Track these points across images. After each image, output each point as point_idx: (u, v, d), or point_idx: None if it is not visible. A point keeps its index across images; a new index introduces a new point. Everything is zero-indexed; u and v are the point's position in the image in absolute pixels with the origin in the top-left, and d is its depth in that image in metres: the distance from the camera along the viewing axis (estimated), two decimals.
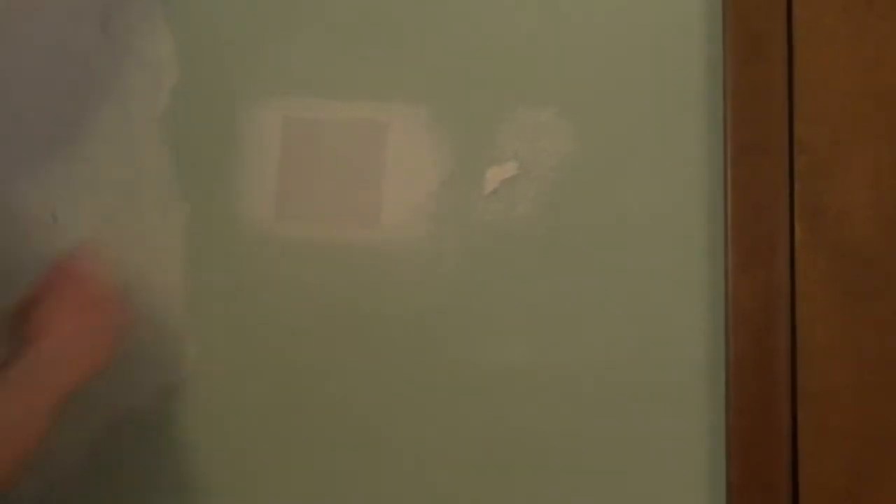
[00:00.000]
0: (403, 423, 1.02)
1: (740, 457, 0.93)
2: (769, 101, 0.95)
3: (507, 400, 1.01)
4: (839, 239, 0.93)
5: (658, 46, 1.00)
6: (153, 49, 1.09)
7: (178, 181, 1.08)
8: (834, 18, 0.95)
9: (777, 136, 0.95)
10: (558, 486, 0.98)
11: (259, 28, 1.08)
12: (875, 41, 0.94)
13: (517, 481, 0.99)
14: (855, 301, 0.92)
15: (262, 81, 1.08)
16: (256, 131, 1.08)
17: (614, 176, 1.01)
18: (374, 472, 1.02)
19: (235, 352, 1.05)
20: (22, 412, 0.74)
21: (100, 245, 1.02)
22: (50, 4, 1.08)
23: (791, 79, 0.95)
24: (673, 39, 0.99)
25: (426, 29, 1.05)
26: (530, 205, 1.03)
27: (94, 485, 1.05)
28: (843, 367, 0.92)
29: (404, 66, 1.05)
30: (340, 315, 1.04)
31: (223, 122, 1.08)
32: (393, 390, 1.03)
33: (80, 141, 1.08)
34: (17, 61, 1.08)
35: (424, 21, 1.05)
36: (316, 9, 1.07)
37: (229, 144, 1.08)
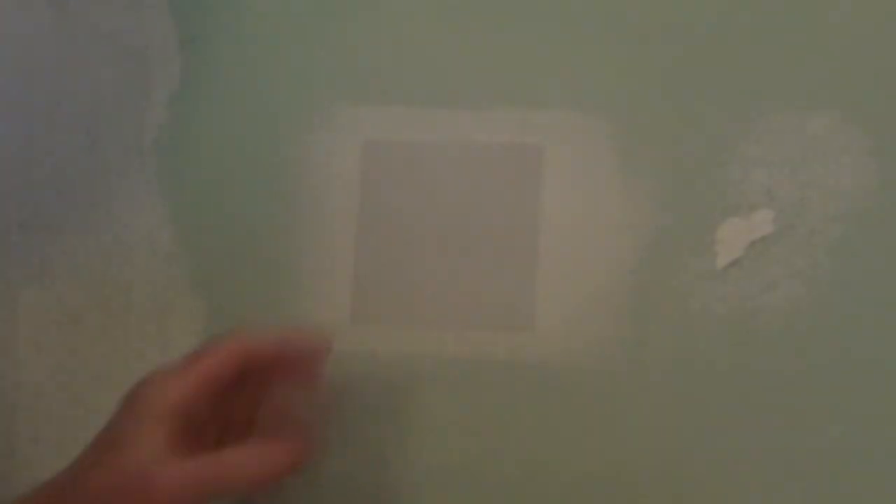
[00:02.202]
0: None
1: None
2: None
3: None
4: None
5: None
6: (140, 34, 0.67)
7: (185, 263, 0.66)
8: None
9: None
10: None
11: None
12: None
13: None
14: None
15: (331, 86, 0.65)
16: (321, 167, 0.65)
17: None
18: None
19: None
20: None
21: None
22: None
23: None
24: None
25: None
26: (799, 285, 0.59)
27: None
28: None
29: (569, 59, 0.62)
30: (466, 475, 0.60)
31: (260, 155, 0.66)
32: None
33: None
34: None
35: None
36: None
37: (273, 190, 0.66)
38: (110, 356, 0.66)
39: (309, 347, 0.59)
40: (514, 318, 0.62)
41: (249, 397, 0.59)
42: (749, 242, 0.60)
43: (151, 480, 0.53)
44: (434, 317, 0.63)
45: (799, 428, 0.59)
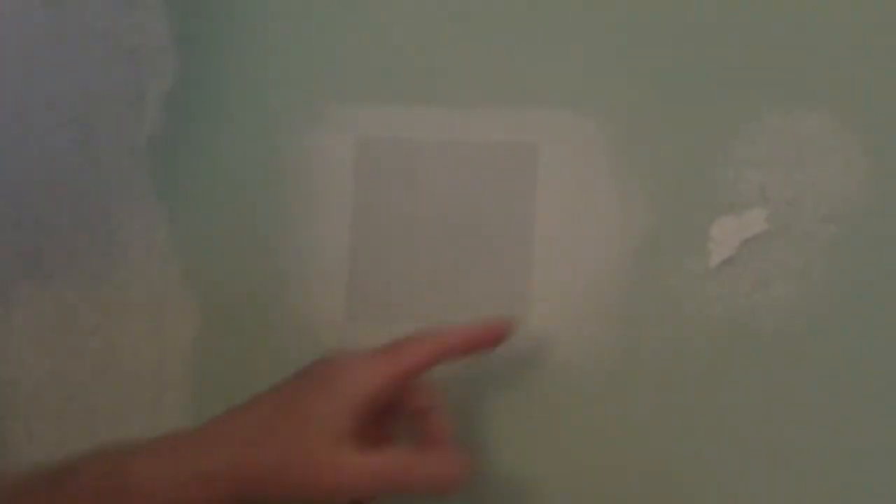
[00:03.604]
0: None
1: None
2: None
3: None
4: None
5: None
6: (134, 33, 0.67)
7: (180, 261, 0.66)
8: None
9: None
10: None
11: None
12: None
13: None
14: None
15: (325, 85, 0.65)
16: (316, 165, 0.65)
17: None
18: None
19: None
20: None
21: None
22: None
23: None
24: None
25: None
26: (791, 284, 0.59)
27: None
28: None
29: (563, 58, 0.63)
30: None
31: (254, 154, 0.66)
32: None
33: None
34: None
35: None
36: None
37: (268, 189, 0.66)
38: (105, 354, 0.66)
39: (493, 338, 0.58)
40: (509, 315, 0.62)
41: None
42: (742, 241, 0.60)
43: (333, 463, 0.52)
44: (427, 315, 0.63)
45: (793, 427, 0.59)
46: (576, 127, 0.63)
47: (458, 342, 0.57)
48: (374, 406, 0.54)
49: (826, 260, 0.60)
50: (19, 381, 0.67)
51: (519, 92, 0.64)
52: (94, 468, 0.53)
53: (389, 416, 0.58)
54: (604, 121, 0.63)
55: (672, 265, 0.61)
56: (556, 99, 0.63)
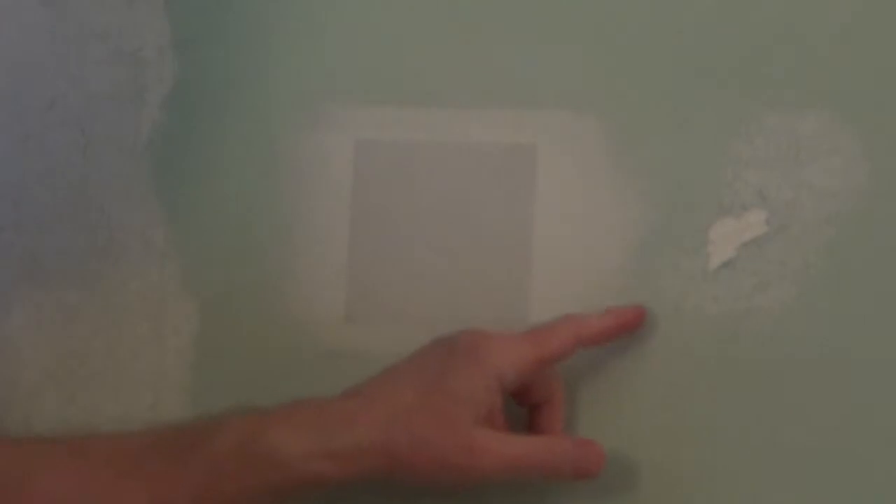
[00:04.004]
0: None
1: None
2: None
3: None
4: None
5: None
6: (134, 34, 0.67)
7: (178, 262, 0.66)
8: None
9: None
10: None
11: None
12: None
13: None
14: None
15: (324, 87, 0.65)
16: (315, 167, 0.65)
17: None
18: None
19: None
20: None
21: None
22: None
23: None
24: None
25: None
26: (790, 285, 0.59)
27: None
28: None
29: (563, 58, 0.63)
30: None
31: (254, 154, 0.66)
32: None
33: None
34: None
35: None
36: None
37: (267, 190, 0.66)
38: (104, 355, 0.66)
39: (629, 325, 0.59)
40: (507, 316, 0.62)
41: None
42: (741, 243, 0.60)
43: (477, 446, 0.52)
44: (427, 316, 0.63)
45: (791, 427, 0.59)
46: (575, 127, 0.63)
47: (597, 331, 0.58)
48: (517, 385, 0.55)
49: (825, 261, 0.59)
50: (19, 381, 0.67)
51: (518, 93, 0.63)
52: (237, 428, 0.53)
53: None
54: (603, 121, 0.62)
55: (671, 266, 0.61)
56: (555, 99, 0.63)
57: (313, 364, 0.64)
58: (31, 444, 0.58)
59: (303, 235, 0.65)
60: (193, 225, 0.66)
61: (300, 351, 0.64)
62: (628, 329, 0.59)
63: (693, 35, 0.62)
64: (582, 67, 0.63)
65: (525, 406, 0.59)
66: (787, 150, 0.60)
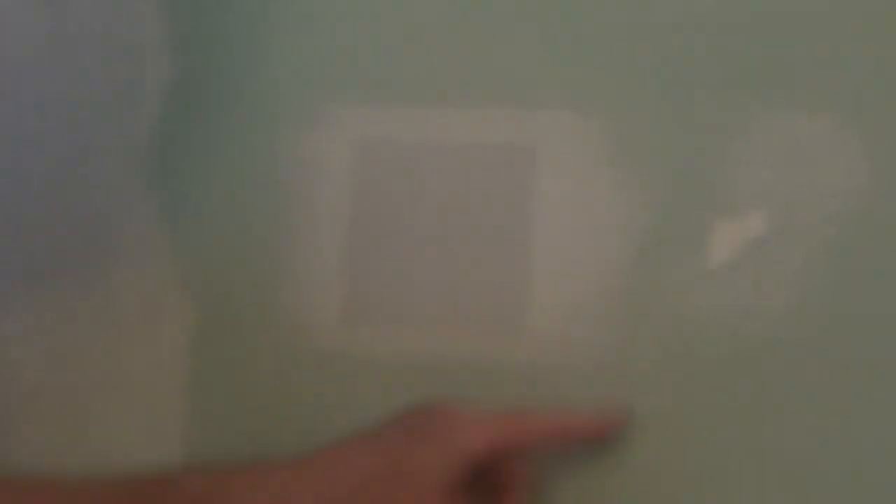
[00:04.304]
0: None
1: None
2: None
3: None
4: None
5: None
6: (134, 33, 0.67)
7: (177, 263, 0.66)
8: None
9: None
10: None
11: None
12: None
13: None
14: None
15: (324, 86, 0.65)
16: (314, 167, 0.65)
17: None
18: None
19: None
20: None
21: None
22: None
23: None
24: None
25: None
26: (791, 286, 0.59)
27: None
28: None
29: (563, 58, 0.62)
30: None
31: (253, 155, 0.66)
32: None
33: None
34: None
35: None
36: None
37: (266, 190, 0.66)
38: (102, 356, 0.66)
39: (606, 429, 0.59)
40: (507, 318, 0.62)
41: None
42: (741, 243, 0.60)
43: None
44: (426, 317, 0.63)
45: (791, 428, 0.59)
46: (575, 128, 0.63)
47: (572, 428, 0.57)
48: (477, 467, 0.54)
49: (825, 261, 0.59)
50: (16, 383, 0.67)
51: (518, 93, 0.64)
52: (195, 482, 0.53)
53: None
54: (603, 122, 0.63)
55: (671, 267, 0.61)
56: (555, 100, 0.63)
57: (312, 365, 0.64)
58: None
59: (302, 236, 0.65)
60: (193, 225, 0.66)
61: (299, 351, 0.64)
62: (605, 434, 0.59)
63: (693, 35, 0.62)
64: (582, 67, 0.63)
65: (490, 486, 0.58)
66: (788, 150, 0.60)
